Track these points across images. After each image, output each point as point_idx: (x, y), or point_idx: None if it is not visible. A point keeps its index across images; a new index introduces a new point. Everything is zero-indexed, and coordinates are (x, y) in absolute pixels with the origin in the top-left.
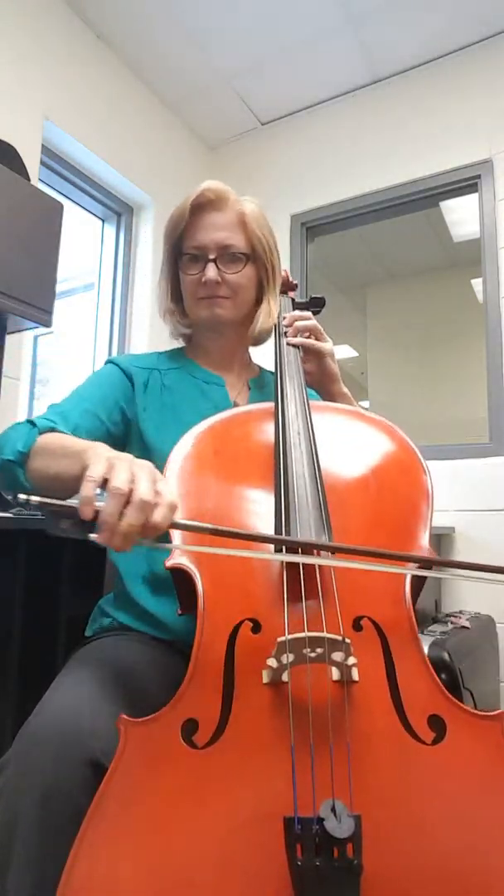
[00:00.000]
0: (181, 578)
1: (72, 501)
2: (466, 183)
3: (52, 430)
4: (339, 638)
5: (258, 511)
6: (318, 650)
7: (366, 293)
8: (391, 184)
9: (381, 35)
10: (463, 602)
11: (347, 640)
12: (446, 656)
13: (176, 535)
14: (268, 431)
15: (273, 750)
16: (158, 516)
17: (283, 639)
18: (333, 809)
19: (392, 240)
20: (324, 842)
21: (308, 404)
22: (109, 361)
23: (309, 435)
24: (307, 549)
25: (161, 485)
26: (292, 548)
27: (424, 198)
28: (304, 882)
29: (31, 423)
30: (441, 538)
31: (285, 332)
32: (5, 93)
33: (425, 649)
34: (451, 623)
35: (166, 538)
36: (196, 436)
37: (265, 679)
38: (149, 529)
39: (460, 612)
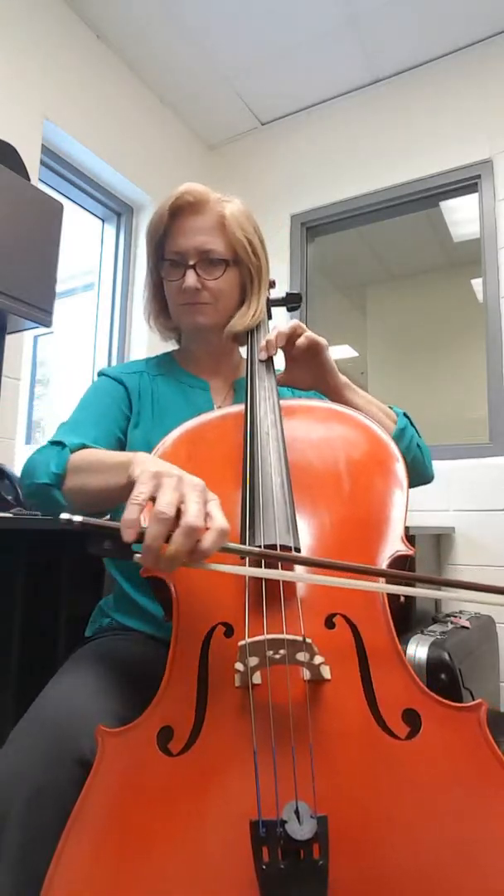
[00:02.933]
0: (158, 586)
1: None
2: (466, 183)
3: (84, 446)
4: (299, 638)
5: (230, 514)
6: (281, 652)
7: (366, 293)
8: (391, 184)
9: (381, 35)
10: (463, 602)
11: (308, 640)
12: (446, 656)
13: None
14: (241, 434)
15: (242, 754)
16: (207, 542)
17: (243, 642)
18: (297, 811)
19: (392, 240)
20: (287, 844)
21: (279, 404)
22: (101, 374)
23: (278, 435)
24: (271, 558)
25: (213, 506)
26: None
27: (424, 198)
28: (270, 885)
29: (57, 443)
30: (441, 538)
31: (258, 339)
32: (5, 93)
33: (424, 649)
34: (451, 623)
35: None
36: (171, 441)
37: (236, 683)
38: (197, 554)
39: (460, 612)
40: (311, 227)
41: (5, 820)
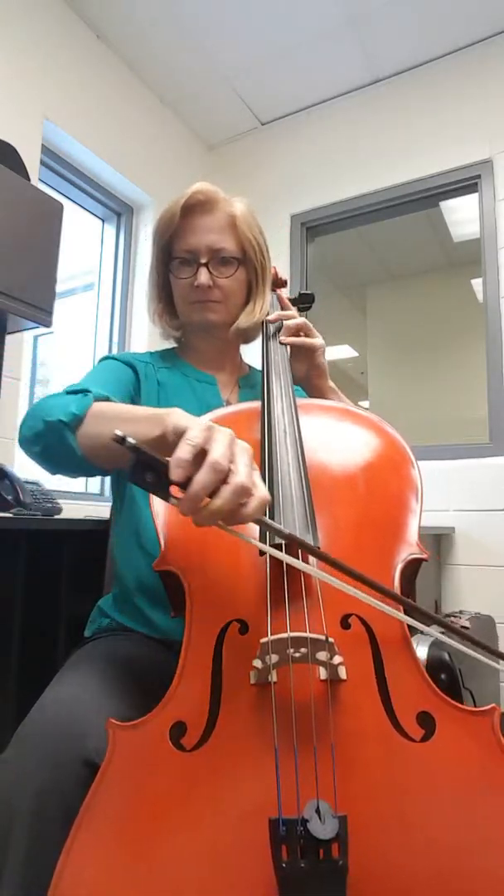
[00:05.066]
0: (170, 581)
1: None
2: (466, 183)
3: (108, 399)
4: (322, 637)
5: None
6: (302, 650)
7: (366, 293)
8: (391, 184)
9: (381, 35)
10: (463, 602)
11: (331, 640)
12: (446, 656)
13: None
14: (255, 431)
15: (259, 751)
16: (251, 507)
17: (265, 640)
18: (318, 810)
19: (392, 240)
20: (308, 843)
21: (295, 402)
22: (105, 358)
23: (295, 433)
24: (293, 550)
25: (256, 475)
26: (277, 544)
27: (424, 198)
28: (289, 883)
29: (78, 391)
30: (441, 538)
31: (274, 334)
32: (5, 93)
33: (424, 649)
34: (452, 623)
35: None
36: None
37: (252, 680)
38: (236, 516)
39: (460, 612)
40: (311, 227)
41: (12, 822)
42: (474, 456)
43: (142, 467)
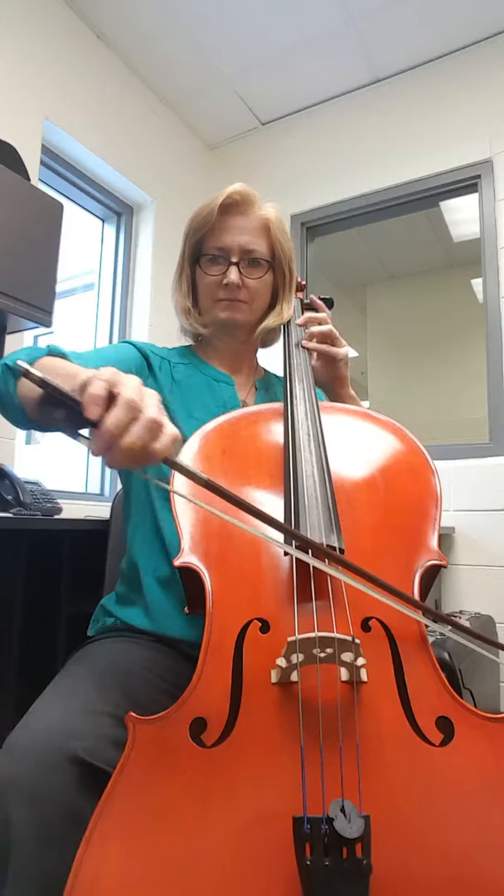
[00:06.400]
0: (189, 577)
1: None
2: (466, 183)
3: (65, 356)
4: (349, 638)
5: (267, 511)
6: (328, 650)
7: (366, 293)
8: (391, 184)
9: (381, 35)
10: (463, 602)
11: (357, 641)
12: (446, 656)
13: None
14: (276, 432)
15: (282, 749)
16: (162, 442)
17: (293, 638)
18: (343, 809)
19: (392, 240)
20: (333, 841)
21: (317, 406)
22: (125, 342)
23: (318, 436)
24: (317, 552)
25: (164, 416)
26: (301, 546)
27: (424, 198)
28: (313, 882)
29: (45, 348)
30: (441, 538)
31: (297, 343)
32: (5, 93)
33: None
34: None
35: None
36: (204, 434)
37: (274, 679)
38: (148, 454)
39: (460, 611)
40: (311, 227)
41: (8, 824)
42: (474, 456)
43: (51, 403)
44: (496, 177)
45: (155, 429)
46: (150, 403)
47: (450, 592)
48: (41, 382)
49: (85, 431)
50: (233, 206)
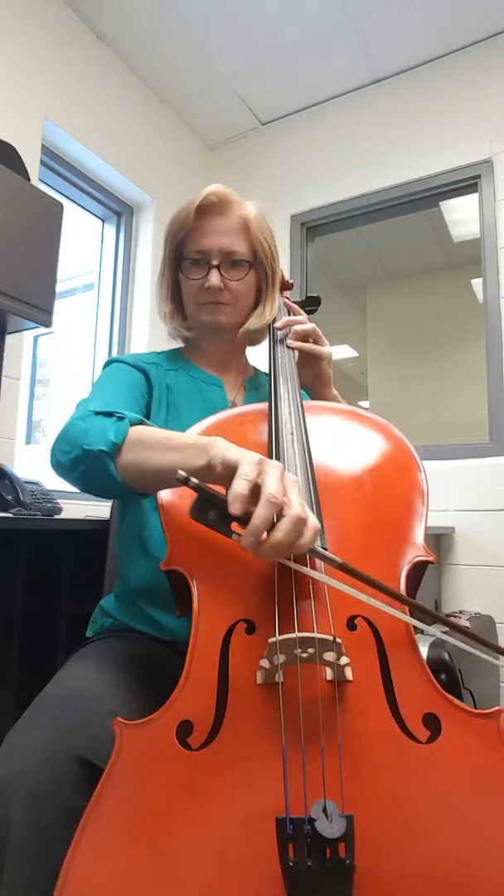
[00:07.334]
0: (177, 580)
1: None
2: (466, 183)
3: (143, 422)
4: (330, 638)
5: None
6: (310, 650)
7: (366, 293)
8: (391, 184)
9: (381, 35)
10: (463, 602)
11: (338, 640)
12: (446, 656)
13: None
14: (262, 432)
15: (266, 750)
16: (307, 537)
17: (273, 640)
18: (325, 810)
19: (392, 240)
20: (315, 842)
21: (302, 405)
22: (116, 360)
23: (302, 436)
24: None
25: (306, 505)
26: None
27: (424, 198)
28: (296, 882)
29: (107, 413)
30: (441, 538)
31: (282, 339)
32: (5, 93)
33: (425, 649)
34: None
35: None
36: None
37: (259, 680)
38: (294, 547)
39: (460, 612)
40: (311, 227)
41: (8, 822)
42: (474, 456)
43: (204, 506)
44: (496, 177)
45: (300, 525)
46: (293, 494)
47: (450, 592)
48: (198, 488)
49: (236, 526)
50: (210, 208)
